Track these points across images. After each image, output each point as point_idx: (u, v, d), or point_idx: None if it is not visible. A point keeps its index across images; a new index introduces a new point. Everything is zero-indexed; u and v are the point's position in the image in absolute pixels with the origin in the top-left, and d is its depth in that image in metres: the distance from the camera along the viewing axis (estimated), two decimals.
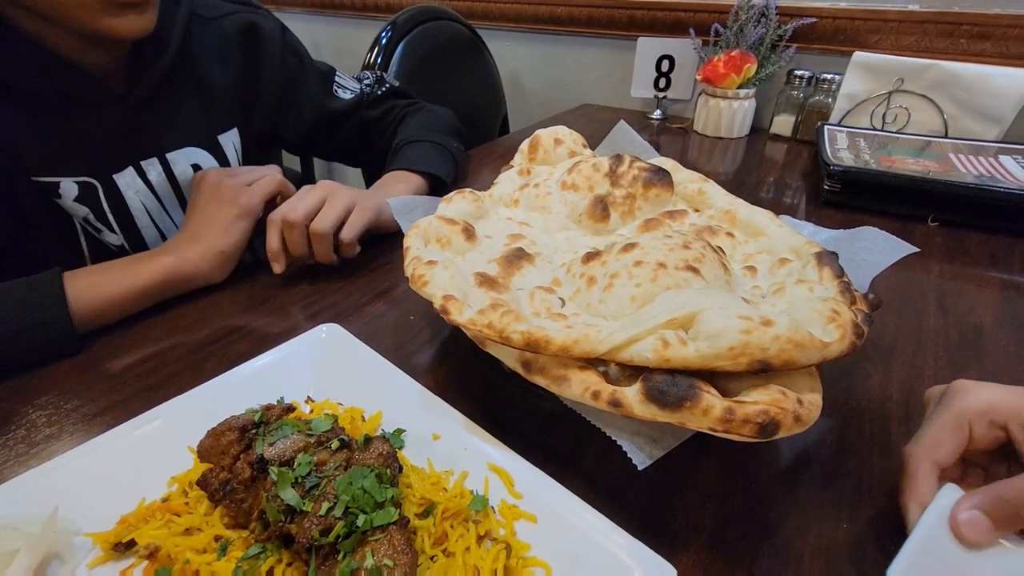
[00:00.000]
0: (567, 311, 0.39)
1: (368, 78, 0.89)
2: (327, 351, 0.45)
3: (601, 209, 0.53)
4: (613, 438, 0.32)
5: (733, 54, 1.03)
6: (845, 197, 0.78)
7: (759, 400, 0.28)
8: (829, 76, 1.00)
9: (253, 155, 0.75)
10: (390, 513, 0.27)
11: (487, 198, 0.56)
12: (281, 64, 0.75)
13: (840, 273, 0.39)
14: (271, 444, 0.31)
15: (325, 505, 0.27)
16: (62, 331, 0.48)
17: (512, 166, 0.63)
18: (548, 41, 1.36)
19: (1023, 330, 0.52)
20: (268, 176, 0.62)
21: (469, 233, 0.48)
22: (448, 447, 0.37)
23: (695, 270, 0.38)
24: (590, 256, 0.43)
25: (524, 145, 0.64)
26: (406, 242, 0.46)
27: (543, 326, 0.34)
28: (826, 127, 0.92)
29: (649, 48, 1.17)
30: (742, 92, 1.04)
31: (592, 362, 0.33)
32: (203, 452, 0.33)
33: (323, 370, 0.43)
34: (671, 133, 1.15)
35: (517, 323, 0.34)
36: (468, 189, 0.55)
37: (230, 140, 0.71)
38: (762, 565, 0.32)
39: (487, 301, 0.38)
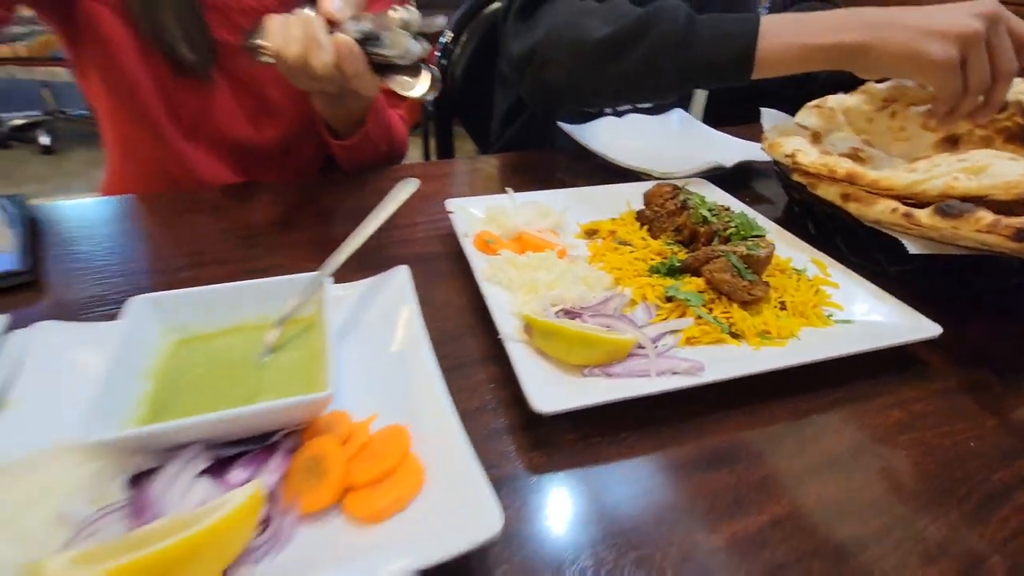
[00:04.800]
0: None
1: None
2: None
3: (949, 144, 0.64)
4: (896, 237, 0.49)
5: None
6: None
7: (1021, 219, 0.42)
8: None
9: None
10: (763, 231, 0.50)
11: (839, 114, 0.70)
12: None
13: None
14: (689, 198, 0.56)
15: (727, 220, 0.51)
16: (745, 46, 0.60)
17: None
18: None
19: None
20: None
21: (816, 138, 0.66)
22: (788, 250, 0.56)
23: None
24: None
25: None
26: (768, 135, 0.67)
27: (861, 169, 0.52)
28: None
29: None
30: None
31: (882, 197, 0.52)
32: (647, 196, 0.60)
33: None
34: None
35: (842, 163, 0.53)
36: (817, 105, 0.71)
37: None
38: None
39: (819, 155, 0.57)
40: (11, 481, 0.26)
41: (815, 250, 0.55)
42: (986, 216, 0.44)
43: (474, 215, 0.60)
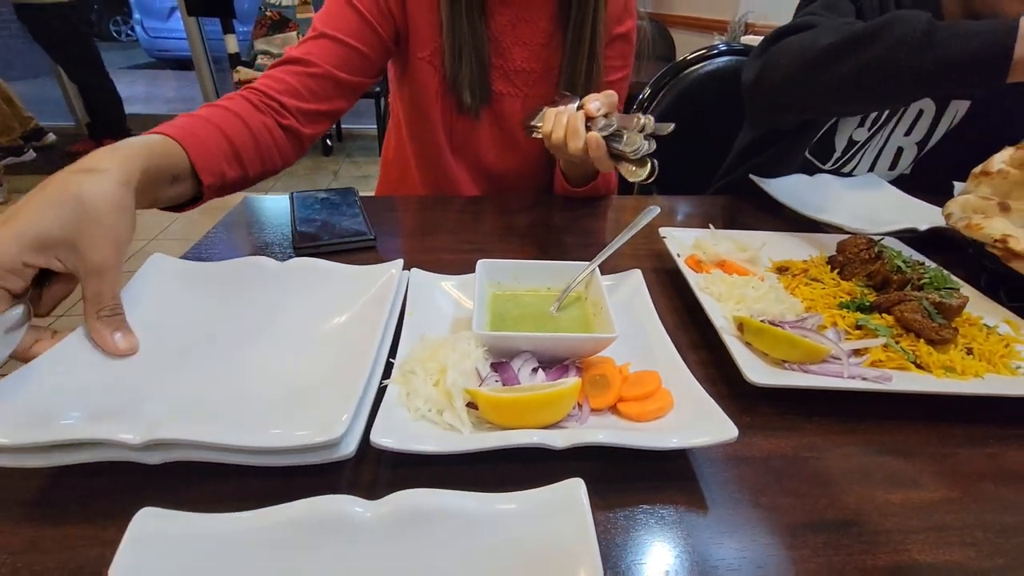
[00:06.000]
0: None
1: None
2: None
3: None
4: None
5: None
6: None
7: None
8: None
9: None
10: (957, 286, 0.57)
11: (1011, 170, 0.71)
12: None
13: None
14: (884, 249, 0.65)
15: (922, 271, 0.59)
16: (1001, 44, 0.61)
17: None
18: None
19: None
20: None
21: (1004, 207, 0.69)
22: (981, 310, 0.61)
23: None
24: None
25: None
26: (953, 212, 0.72)
27: None
28: None
29: None
30: None
31: None
32: (841, 245, 0.70)
33: None
34: None
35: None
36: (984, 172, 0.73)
37: None
38: None
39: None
40: (449, 347, 0.45)
41: (1010, 312, 0.60)
42: None
43: (681, 242, 0.74)
